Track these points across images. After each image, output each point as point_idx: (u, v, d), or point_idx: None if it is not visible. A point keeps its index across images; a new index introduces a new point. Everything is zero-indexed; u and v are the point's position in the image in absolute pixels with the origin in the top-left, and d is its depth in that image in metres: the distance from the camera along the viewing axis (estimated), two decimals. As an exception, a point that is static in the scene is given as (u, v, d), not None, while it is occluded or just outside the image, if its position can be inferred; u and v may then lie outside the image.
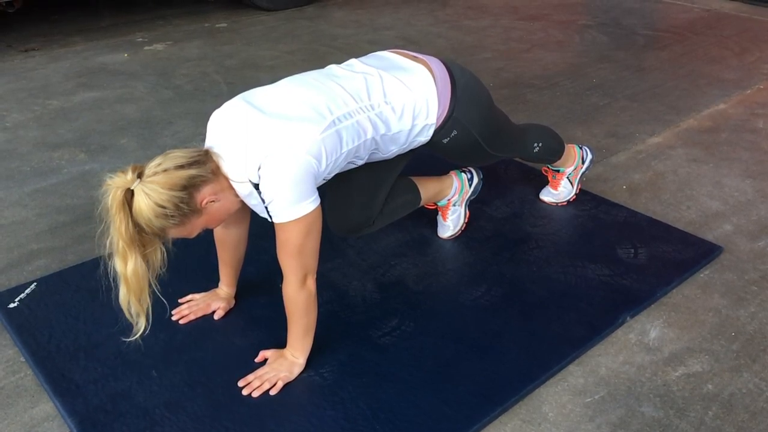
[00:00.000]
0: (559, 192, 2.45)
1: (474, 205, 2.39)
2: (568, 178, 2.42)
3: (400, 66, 1.80)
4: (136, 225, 1.45)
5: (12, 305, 1.94)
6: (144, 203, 1.43)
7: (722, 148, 2.96)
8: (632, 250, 2.20)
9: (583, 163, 2.43)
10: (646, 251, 2.19)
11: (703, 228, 2.37)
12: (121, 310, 1.51)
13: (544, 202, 2.47)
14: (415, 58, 1.83)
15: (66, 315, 1.91)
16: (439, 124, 1.81)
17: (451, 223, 2.25)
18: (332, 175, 1.69)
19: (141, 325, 1.53)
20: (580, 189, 2.48)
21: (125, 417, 1.58)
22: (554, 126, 3.14)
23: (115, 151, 2.92)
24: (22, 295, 1.98)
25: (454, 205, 2.23)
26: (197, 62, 4.01)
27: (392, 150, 1.79)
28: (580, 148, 2.44)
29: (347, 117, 1.62)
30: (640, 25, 4.82)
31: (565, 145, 2.34)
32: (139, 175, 1.45)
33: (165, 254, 1.54)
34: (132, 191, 1.44)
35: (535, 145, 2.20)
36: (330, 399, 1.64)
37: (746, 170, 2.77)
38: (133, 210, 1.44)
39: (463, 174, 2.23)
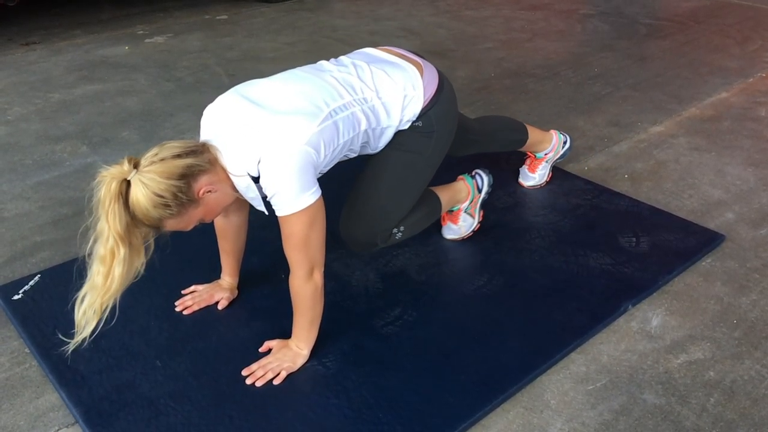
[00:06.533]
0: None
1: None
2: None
3: (387, 60, 1.81)
4: (133, 217, 1.43)
5: (16, 297, 1.95)
6: (141, 193, 1.41)
7: (724, 136, 2.96)
8: (634, 239, 2.20)
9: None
10: (647, 240, 2.20)
11: (705, 216, 2.37)
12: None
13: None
14: (403, 56, 1.84)
15: (70, 306, 1.91)
16: (421, 109, 1.79)
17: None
18: (328, 167, 1.69)
19: (87, 333, 1.47)
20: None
21: (130, 407, 1.60)
22: (556, 115, 3.14)
23: (116, 144, 2.92)
24: (26, 287, 1.99)
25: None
26: (198, 54, 4.01)
27: (379, 138, 1.78)
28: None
29: (343, 109, 1.63)
30: (642, 14, 4.80)
31: (442, 203, 2.05)
32: (135, 166, 1.43)
33: (144, 264, 1.49)
34: (128, 182, 1.42)
35: (396, 231, 1.90)
36: (333, 388, 1.65)
37: (748, 158, 2.77)
38: (130, 201, 1.42)
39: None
